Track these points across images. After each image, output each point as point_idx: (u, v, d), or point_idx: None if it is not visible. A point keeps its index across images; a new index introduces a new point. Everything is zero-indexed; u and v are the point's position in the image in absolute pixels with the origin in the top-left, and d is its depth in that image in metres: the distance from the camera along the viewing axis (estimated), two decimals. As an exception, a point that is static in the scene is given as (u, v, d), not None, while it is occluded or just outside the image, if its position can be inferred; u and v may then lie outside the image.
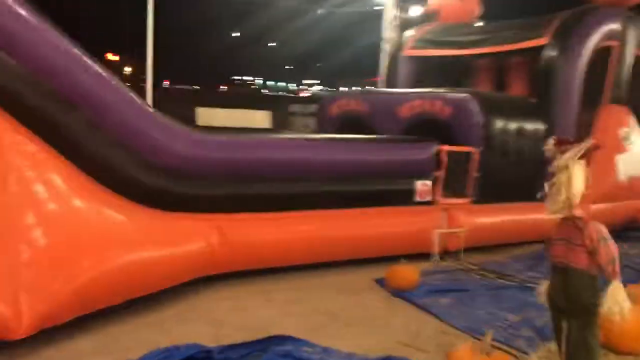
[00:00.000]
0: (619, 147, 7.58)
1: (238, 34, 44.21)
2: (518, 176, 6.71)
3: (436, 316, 4.22)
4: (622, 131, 7.62)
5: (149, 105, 4.62)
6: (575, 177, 3.13)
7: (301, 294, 4.57)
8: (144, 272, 3.78)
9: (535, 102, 7.06)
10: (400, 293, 4.65)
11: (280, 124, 13.47)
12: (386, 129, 7.05)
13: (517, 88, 8.35)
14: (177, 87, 34.67)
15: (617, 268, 2.81)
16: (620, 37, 7.53)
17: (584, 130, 7.58)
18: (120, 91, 4.02)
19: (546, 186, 3.15)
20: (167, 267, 3.98)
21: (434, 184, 5.85)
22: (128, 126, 4.05)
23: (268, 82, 54.54)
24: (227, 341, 3.39)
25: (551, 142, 3.09)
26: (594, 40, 7.14)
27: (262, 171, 4.89)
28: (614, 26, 7.43)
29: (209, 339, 3.44)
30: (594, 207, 7.37)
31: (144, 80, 12.97)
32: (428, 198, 5.79)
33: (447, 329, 3.98)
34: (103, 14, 35.76)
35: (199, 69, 44.10)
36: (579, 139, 3.66)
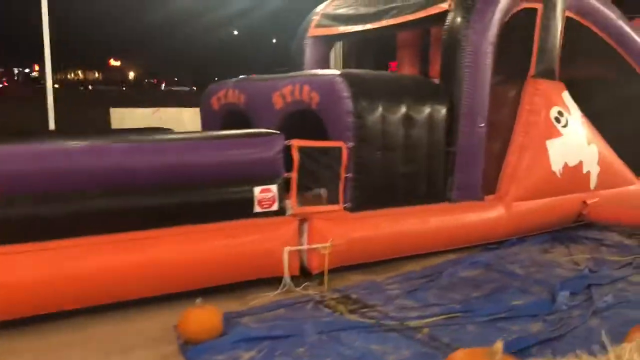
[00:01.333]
0: (550, 130, 6.24)
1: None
2: (413, 174, 5.43)
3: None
4: (554, 111, 6.28)
5: None
6: None
7: (50, 357, 3.36)
8: None
9: (434, 81, 5.77)
10: (193, 347, 3.43)
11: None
12: (264, 123, 5.81)
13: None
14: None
15: None
16: (545, -4, 6.19)
17: (505, 111, 6.27)
18: None
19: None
20: None
21: (282, 189, 4.59)
22: None
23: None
24: None
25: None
26: (507, 2, 5.80)
27: (17, 187, 3.68)
28: (535, -17, 6.09)
29: None
30: (526, 205, 6.07)
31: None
32: (274, 207, 4.53)
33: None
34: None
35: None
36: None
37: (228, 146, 4.38)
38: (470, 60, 5.60)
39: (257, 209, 4.43)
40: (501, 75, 6.58)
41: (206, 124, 6.91)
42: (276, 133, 4.61)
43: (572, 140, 6.36)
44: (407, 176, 5.37)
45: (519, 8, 6.00)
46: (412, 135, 5.35)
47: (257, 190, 4.40)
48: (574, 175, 6.43)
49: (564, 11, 6.40)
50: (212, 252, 4.21)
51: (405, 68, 7.86)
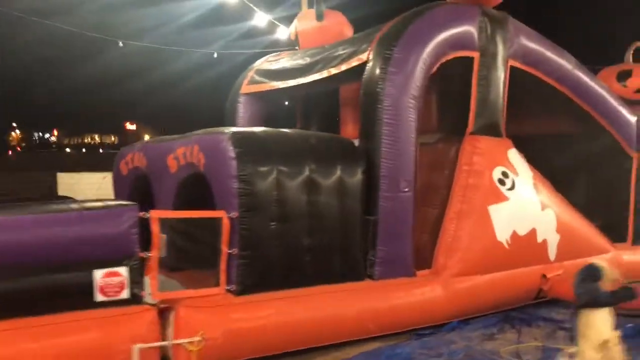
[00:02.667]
0: (494, 194, 5.43)
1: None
2: (321, 247, 4.61)
3: None
4: (497, 172, 5.49)
5: None
6: None
7: None
8: None
9: (350, 141, 5.03)
10: None
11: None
12: (162, 190, 5.11)
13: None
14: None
15: None
16: (482, 44, 5.53)
17: (443, 172, 5.50)
18: None
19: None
20: None
21: (137, 272, 3.78)
22: None
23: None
24: None
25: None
26: (432, 50, 5.13)
27: None
28: (468, 30, 5.43)
29: None
30: (469, 280, 5.20)
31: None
32: (123, 295, 3.70)
33: None
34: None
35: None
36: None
37: (59, 221, 3.60)
38: (389, 115, 4.88)
39: (100, 297, 3.61)
40: (438, 133, 5.89)
41: (117, 191, 6.20)
42: (127, 204, 3.85)
43: (521, 205, 5.53)
44: (313, 251, 4.54)
45: (448, 57, 5.32)
46: (318, 203, 4.56)
47: (98, 274, 3.59)
48: (527, 245, 5.56)
49: (506, 60, 5.72)
50: (36, 356, 3.37)
51: (349, 126, 7.14)
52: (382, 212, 4.87)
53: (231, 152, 4.22)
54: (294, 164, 4.45)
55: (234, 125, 7.07)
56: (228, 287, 4.19)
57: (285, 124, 6.57)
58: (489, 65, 5.57)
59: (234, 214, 4.15)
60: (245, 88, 7.12)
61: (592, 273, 3.60)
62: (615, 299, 3.54)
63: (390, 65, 4.93)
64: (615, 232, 7.11)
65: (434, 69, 5.22)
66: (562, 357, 3.67)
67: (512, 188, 5.48)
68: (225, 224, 4.10)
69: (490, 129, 5.62)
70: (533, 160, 6.11)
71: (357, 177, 4.77)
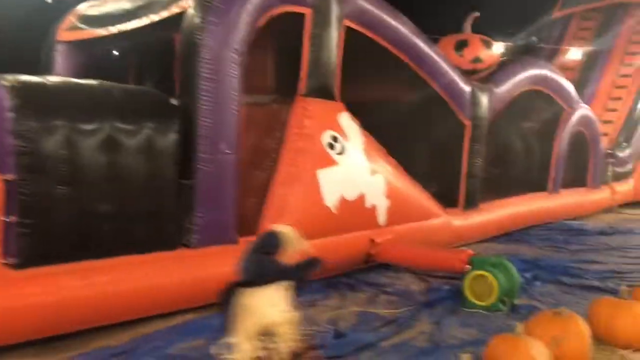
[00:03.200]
0: (323, 158, 5.27)
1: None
2: (125, 215, 4.15)
3: None
4: (326, 136, 5.33)
5: None
6: None
7: None
8: None
9: (164, 96, 4.56)
10: None
11: None
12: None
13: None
14: None
15: None
16: (314, 1, 5.26)
17: (275, 135, 5.23)
18: None
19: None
20: None
21: None
22: None
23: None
24: None
25: None
26: (258, 1, 4.78)
27: None
28: (299, -16, 5.15)
29: None
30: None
31: None
32: None
33: None
34: None
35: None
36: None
37: None
38: (208, 70, 4.47)
39: None
40: (273, 94, 5.60)
41: None
42: None
43: (350, 170, 5.43)
44: (113, 218, 4.07)
45: (278, 11, 5.00)
46: (120, 165, 4.07)
47: None
48: (355, 210, 5.49)
49: (341, 20, 5.52)
50: None
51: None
52: (200, 176, 4.49)
53: (7, 103, 3.59)
54: (91, 119, 3.90)
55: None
56: (5, 260, 3.61)
57: (116, 79, 5.92)
58: (321, 24, 5.33)
59: (11, 176, 3.55)
60: (64, 35, 6.29)
61: (267, 242, 2.89)
62: (295, 272, 2.87)
63: (210, 14, 4.50)
64: (448, 199, 7.37)
65: (262, 22, 4.86)
66: (218, 349, 2.85)
67: (341, 153, 5.36)
68: (0, 188, 3.50)
69: (322, 92, 5.41)
70: (370, 127, 6.04)
71: (170, 136, 4.33)
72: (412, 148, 6.97)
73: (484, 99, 7.58)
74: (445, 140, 7.37)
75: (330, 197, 5.23)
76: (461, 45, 7.47)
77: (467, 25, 7.86)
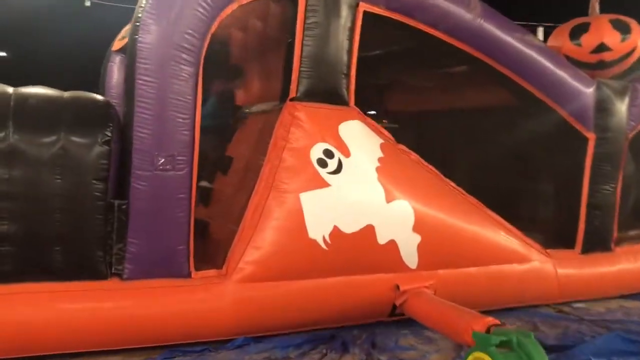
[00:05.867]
0: (310, 177, 4.14)
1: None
2: (29, 237, 3.67)
3: None
4: (317, 149, 4.19)
5: None
6: None
7: None
8: None
9: (92, 99, 3.95)
10: None
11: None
12: None
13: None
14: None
15: None
16: (312, -17, 4.21)
17: (266, 147, 4.35)
18: None
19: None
20: None
21: None
22: None
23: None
24: None
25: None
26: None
27: None
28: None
29: None
30: (272, 287, 4.08)
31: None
32: None
33: None
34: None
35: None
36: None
37: None
38: (146, 71, 3.78)
39: None
40: (272, 100, 4.70)
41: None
42: None
43: (348, 194, 4.20)
44: (16, 240, 3.61)
45: (249, -1, 4.09)
46: (25, 180, 3.60)
47: None
48: (359, 247, 4.24)
49: (355, 4, 4.36)
50: None
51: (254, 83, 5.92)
52: (134, 196, 3.82)
53: None
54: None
55: (104, 91, 6.22)
56: None
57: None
58: (322, 11, 4.25)
59: None
60: (117, 44, 6.22)
61: None
62: None
63: (151, 5, 3.82)
64: (556, 237, 5.54)
65: (229, 10, 4.01)
66: None
67: (336, 171, 4.17)
68: None
69: (323, 95, 4.31)
70: (425, 141, 4.80)
71: (94, 148, 3.74)
72: (489, 168, 5.36)
73: (620, 105, 5.52)
74: (550, 158, 5.54)
75: (317, 228, 4.10)
76: (578, 32, 5.50)
77: (594, 4, 5.79)
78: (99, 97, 4.02)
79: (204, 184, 5.11)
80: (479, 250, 4.81)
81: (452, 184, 4.88)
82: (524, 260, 5.10)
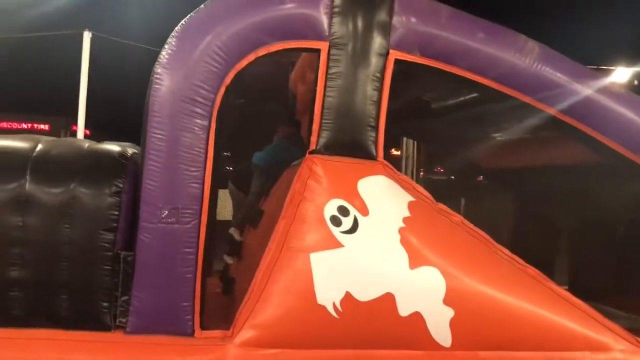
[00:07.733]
0: (322, 236, 3.80)
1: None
2: (35, 283, 3.76)
3: None
4: (331, 206, 3.85)
5: None
6: None
7: None
8: None
9: (105, 150, 3.99)
10: None
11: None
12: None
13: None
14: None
15: None
16: (335, 31, 4.01)
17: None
18: None
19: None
20: None
21: None
22: None
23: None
24: None
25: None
26: (229, 39, 3.86)
27: None
28: (305, 12, 3.99)
29: None
30: (277, 355, 3.82)
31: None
32: None
33: None
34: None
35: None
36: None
37: None
38: (157, 123, 3.80)
39: None
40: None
41: None
42: None
43: (365, 256, 3.79)
44: (23, 286, 3.71)
45: (270, 49, 3.97)
46: (38, 228, 3.73)
47: None
48: (376, 317, 3.78)
49: (384, 54, 4.06)
50: None
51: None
52: (140, 248, 3.78)
53: None
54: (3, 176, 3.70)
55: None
56: None
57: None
58: (346, 61, 4.01)
59: None
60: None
61: None
62: None
63: (166, 59, 3.86)
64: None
65: (244, 63, 3.94)
66: None
67: (351, 231, 3.80)
68: None
69: (344, 148, 4.01)
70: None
71: (104, 199, 3.79)
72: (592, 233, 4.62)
73: None
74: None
75: (327, 293, 3.73)
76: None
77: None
78: (117, 147, 4.09)
79: (237, 237, 5.00)
80: (533, 330, 4.07)
81: (506, 251, 4.24)
82: (602, 349, 4.22)
